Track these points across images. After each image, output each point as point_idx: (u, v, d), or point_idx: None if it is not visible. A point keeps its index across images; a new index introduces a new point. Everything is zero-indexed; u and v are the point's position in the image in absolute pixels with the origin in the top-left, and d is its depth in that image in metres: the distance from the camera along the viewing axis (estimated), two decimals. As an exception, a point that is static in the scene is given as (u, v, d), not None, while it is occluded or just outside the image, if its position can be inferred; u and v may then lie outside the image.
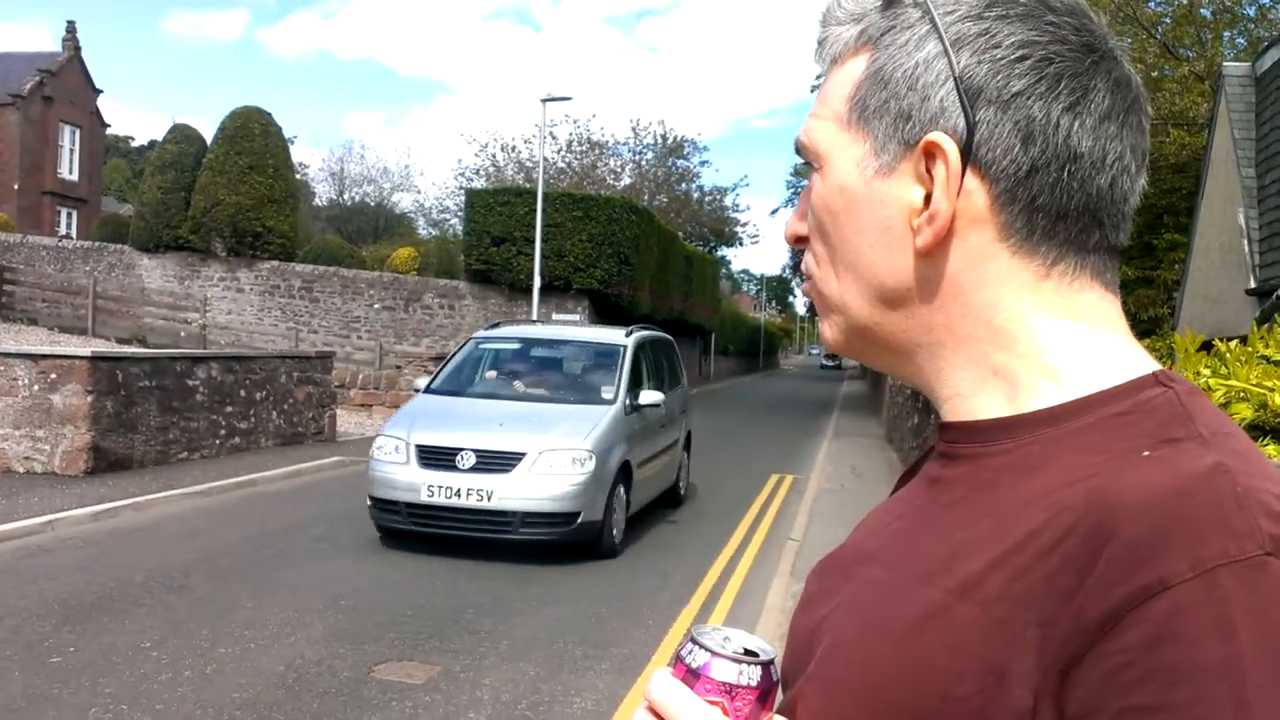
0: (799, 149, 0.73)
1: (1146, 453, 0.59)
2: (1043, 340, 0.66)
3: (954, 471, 0.68)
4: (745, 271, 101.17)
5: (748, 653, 0.72)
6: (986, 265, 0.66)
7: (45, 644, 5.34)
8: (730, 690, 0.70)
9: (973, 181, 0.64)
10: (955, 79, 0.64)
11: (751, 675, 0.71)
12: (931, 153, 0.65)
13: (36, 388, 10.49)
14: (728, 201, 52.25)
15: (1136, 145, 0.66)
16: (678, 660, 0.73)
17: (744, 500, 11.39)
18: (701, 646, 0.72)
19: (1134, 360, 0.66)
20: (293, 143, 33.67)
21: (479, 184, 40.07)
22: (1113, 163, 0.65)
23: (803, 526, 9.57)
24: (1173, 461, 0.57)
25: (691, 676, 0.71)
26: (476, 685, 5.06)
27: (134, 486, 9.91)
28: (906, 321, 0.69)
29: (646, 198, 44.68)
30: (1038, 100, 0.63)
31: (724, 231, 52.91)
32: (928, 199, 0.65)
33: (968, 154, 0.64)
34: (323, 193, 52.88)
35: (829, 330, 0.74)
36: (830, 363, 74.56)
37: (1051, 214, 0.64)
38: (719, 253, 55.81)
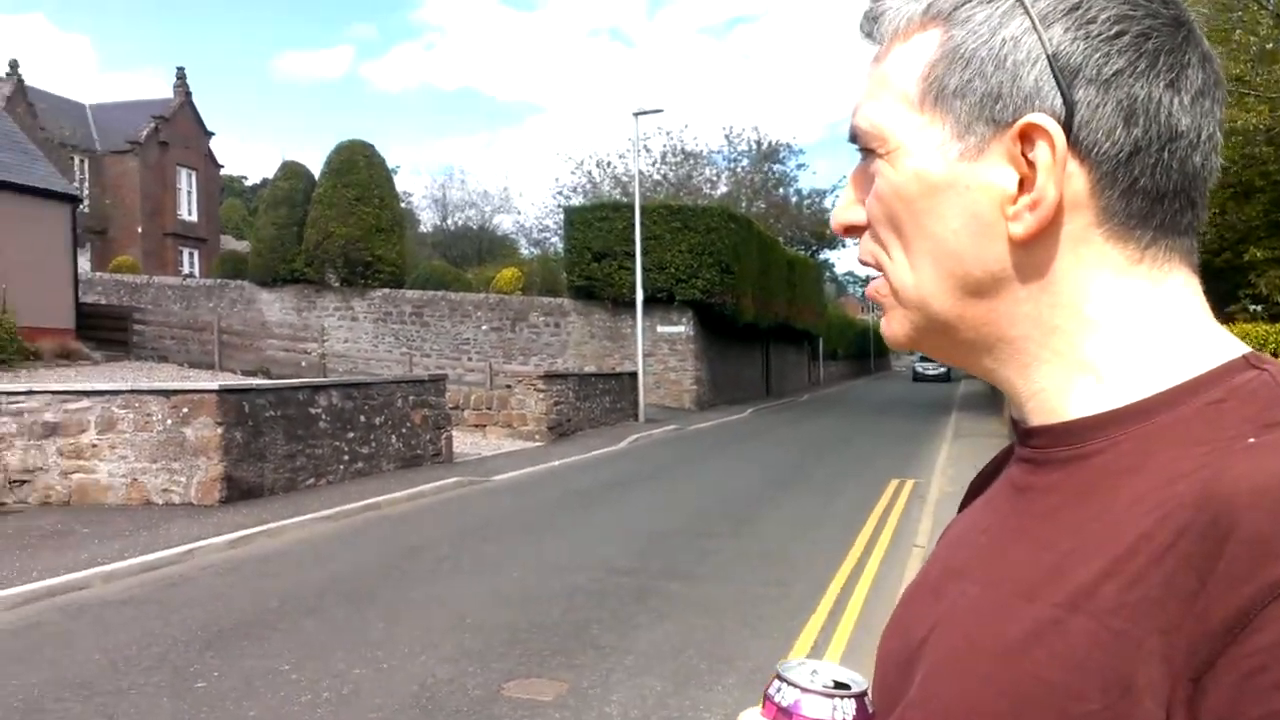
0: (856, 135, 0.68)
1: (1251, 439, 0.56)
2: (1134, 329, 0.63)
3: (1045, 478, 0.65)
4: (850, 274, 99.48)
5: (839, 685, 0.70)
6: (1081, 251, 0.63)
7: (190, 669, 5.56)
8: None
9: (1072, 164, 0.61)
10: (1049, 57, 0.61)
11: (846, 710, 0.69)
12: (1029, 135, 0.61)
13: (170, 422, 10.99)
14: (827, 204, 51.71)
15: (1220, 122, 0.64)
16: (766, 699, 0.71)
17: (863, 507, 11.18)
18: (790, 683, 0.70)
19: (1222, 344, 0.63)
20: (396, 173, 34.66)
21: (576, 201, 40.56)
22: (1206, 140, 0.63)
23: (928, 532, 9.33)
24: None
25: (784, 716, 0.70)
26: (605, 701, 5.06)
27: (266, 513, 10.28)
28: (991, 314, 0.66)
29: (744, 204, 44.57)
30: (1139, 78, 0.60)
31: (825, 234, 52.35)
32: (1021, 183, 0.62)
33: (1067, 136, 0.61)
34: (427, 219, 54.35)
35: (899, 325, 0.70)
36: (930, 370, 54.84)
37: (1151, 196, 0.62)
38: (821, 256, 55.26)
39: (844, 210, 0.71)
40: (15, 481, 11.03)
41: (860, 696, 0.70)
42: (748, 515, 10.75)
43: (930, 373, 54.93)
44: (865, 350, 66.32)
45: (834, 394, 41.59)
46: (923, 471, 14.18)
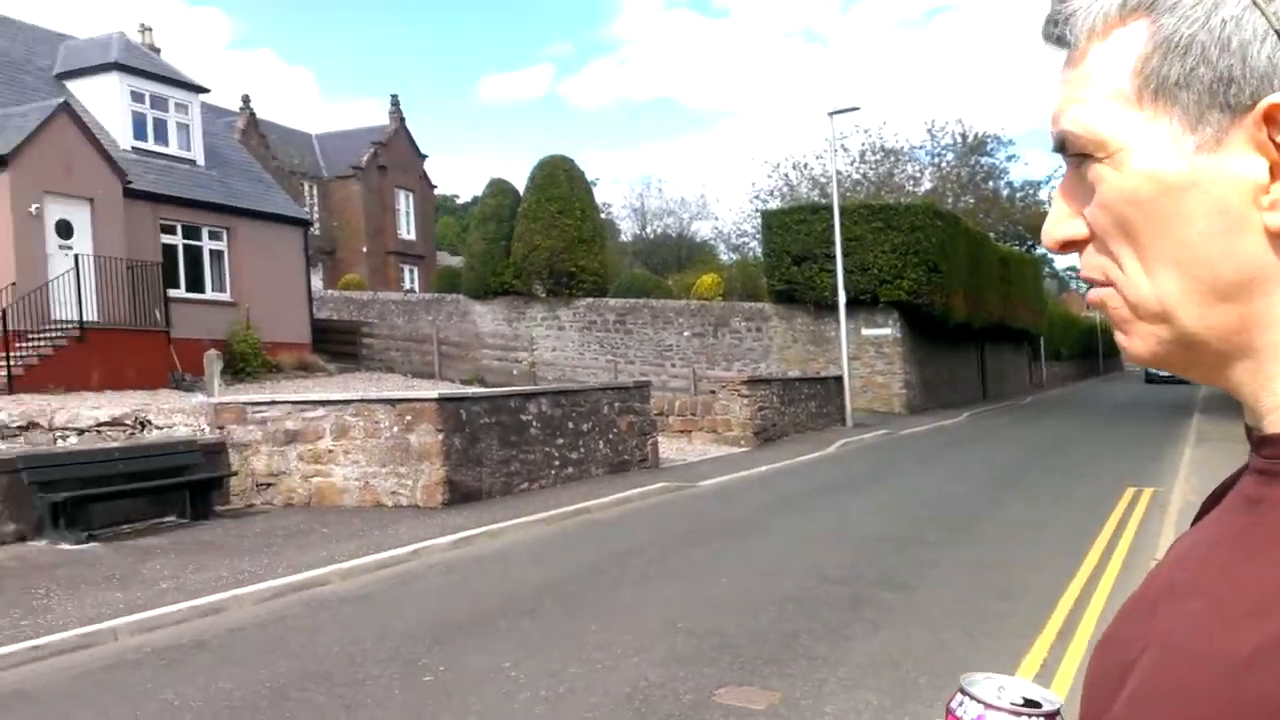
0: (1066, 141, 0.64)
1: None
2: None
3: (1279, 490, 0.60)
4: (1071, 269, 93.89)
5: (1029, 703, 0.67)
6: None
7: (419, 663, 5.83)
8: None
9: None
10: (1278, 32, 0.57)
11: None
12: (1275, 118, 0.57)
13: (396, 429, 11.65)
14: (1043, 195, 49.14)
15: None
16: (949, 713, 0.70)
17: (1096, 515, 10.47)
18: (973, 698, 0.68)
19: None
20: (595, 185, 35.59)
21: (774, 204, 40.22)
22: None
23: (1169, 546, 8.61)
24: None
25: None
26: (818, 713, 4.93)
27: (485, 516, 10.72)
28: (1244, 320, 0.61)
29: (950, 201, 43.00)
30: None
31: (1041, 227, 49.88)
32: (1271, 170, 0.58)
33: None
34: (627, 229, 55.46)
35: (1142, 343, 0.65)
36: (1165, 370, 58.68)
37: None
38: (1038, 251, 52.50)
39: (1059, 225, 0.67)
40: (262, 484, 11.99)
41: (1051, 715, 0.67)
42: (967, 522, 10.29)
43: (1165, 373, 51.68)
44: (1092, 349, 62.33)
45: (1059, 396, 39.43)
46: (1162, 479, 13.14)
